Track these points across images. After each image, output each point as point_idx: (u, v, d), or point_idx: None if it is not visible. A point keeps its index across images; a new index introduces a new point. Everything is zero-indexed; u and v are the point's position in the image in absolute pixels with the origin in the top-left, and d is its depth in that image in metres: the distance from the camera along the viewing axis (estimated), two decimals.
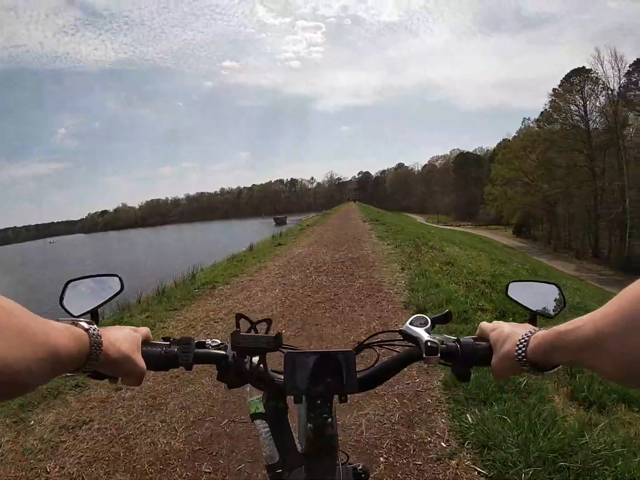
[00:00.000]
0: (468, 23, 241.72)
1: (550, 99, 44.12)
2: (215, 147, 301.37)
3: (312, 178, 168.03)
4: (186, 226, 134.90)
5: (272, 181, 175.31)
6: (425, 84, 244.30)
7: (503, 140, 65.39)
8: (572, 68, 41.73)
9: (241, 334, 0.79)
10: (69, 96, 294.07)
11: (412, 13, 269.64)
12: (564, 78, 42.53)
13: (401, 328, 0.87)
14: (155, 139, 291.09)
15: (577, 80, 41.23)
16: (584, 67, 40.91)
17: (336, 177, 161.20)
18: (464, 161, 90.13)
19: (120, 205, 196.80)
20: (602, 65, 38.97)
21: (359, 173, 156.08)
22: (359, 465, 1.00)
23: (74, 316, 0.81)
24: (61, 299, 0.87)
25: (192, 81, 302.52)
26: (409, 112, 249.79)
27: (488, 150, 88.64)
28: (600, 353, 0.50)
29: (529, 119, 48.92)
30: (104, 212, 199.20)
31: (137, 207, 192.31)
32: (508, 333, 0.73)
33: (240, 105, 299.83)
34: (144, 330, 0.80)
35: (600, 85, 39.84)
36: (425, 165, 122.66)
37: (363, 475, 0.99)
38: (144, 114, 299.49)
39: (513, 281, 0.99)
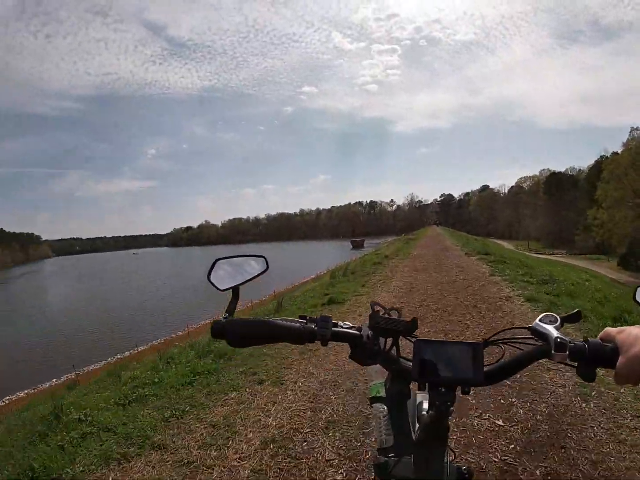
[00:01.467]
0: (545, 37, 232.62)
1: None
2: (294, 170, 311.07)
3: (391, 200, 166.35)
4: (266, 245, 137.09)
5: (351, 203, 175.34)
6: (505, 102, 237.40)
7: (601, 157, 58.63)
8: None
9: (380, 315, 0.86)
10: (157, 120, 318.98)
11: (488, 30, 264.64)
12: None
13: (530, 325, 0.89)
14: (237, 161, 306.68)
15: None
16: None
17: (417, 200, 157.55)
18: (556, 182, 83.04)
19: (204, 222, 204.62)
20: None
21: (441, 195, 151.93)
22: (464, 466, 0.97)
23: (220, 290, 0.99)
24: (209, 274, 1.00)
25: (273, 106, 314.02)
26: (489, 133, 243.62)
27: (581, 170, 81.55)
28: None
29: (637, 128, 42.12)
30: (189, 228, 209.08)
31: (220, 224, 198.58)
32: (636, 335, 0.71)
33: (318, 128, 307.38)
34: None
35: None
36: (512, 187, 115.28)
37: (467, 476, 0.96)
38: (228, 137, 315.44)
39: None
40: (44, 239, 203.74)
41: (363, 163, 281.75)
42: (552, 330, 0.83)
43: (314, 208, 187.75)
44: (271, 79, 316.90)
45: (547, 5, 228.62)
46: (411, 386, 0.90)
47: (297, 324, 0.89)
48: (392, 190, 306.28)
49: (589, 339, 0.80)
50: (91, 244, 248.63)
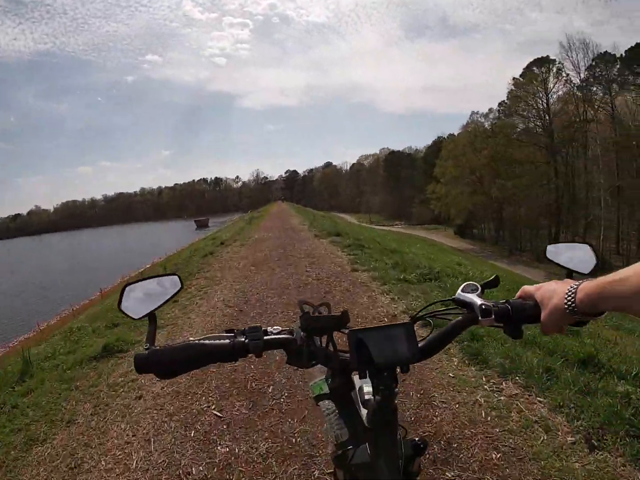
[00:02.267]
0: (395, 29, 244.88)
1: (508, 90, 41.23)
2: (136, 145, 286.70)
3: (237, 177, 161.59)
4: (102, 230, 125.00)
5: (196, 180, 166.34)
6: (352, 86, 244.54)
7: (438, 137, 63.35)
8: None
9: (310, 315, 0.86)
10: None
11: (340, 15, 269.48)
12: (525, 67, 39.77)
13: (454, 297, 0.94)
14: (73, 136, 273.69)
15: (540, 70, 38.23)
16: (547, 56, 38.27)
17: (262, 176, 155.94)
18: (394, 160, 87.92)
19: (34, 207, 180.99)
20: (576, 54, 36.58)
21: (286, 172, 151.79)
22: (417, 438, 1.00)
23: (134, 319, 0.92)
24: (119, 303, 0.93)
25: (113, 75, 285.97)
26: (336, 114, 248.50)
27: (418, 149, 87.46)
28: None
29: (477, 112, 45.92)
30: (17, 216, 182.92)
31: (52, 209, 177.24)
32: (553, 289, 0.79)
33: (162, 101, 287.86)
34: None
35: (564, 77, 37.41)
36: (354, 164, 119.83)
37: (422, 446, 0.98)
38: (63, 109, 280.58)
39: (550, 244, 1.01)
40: None
41: (209, 138, 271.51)
42: (475, 298, 0.88)
43: (155, 186, 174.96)
44: (113, 45, 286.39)
45: None
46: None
47: (227, 340, 0.85)
48: (238, 166, 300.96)
49: (510, 300, 0.86)
50: None
